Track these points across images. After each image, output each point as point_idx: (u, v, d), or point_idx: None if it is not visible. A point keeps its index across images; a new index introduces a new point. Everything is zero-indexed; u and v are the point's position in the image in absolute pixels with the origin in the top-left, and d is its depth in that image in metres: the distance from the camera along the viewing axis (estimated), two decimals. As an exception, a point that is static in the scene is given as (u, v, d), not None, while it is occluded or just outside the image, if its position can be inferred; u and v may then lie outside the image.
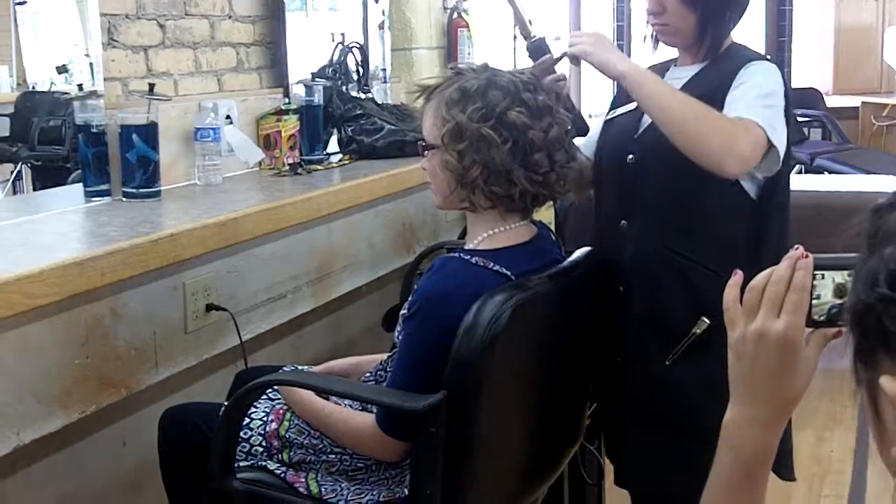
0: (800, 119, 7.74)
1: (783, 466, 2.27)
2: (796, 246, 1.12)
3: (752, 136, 2.00)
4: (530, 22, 2.33)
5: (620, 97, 2.35)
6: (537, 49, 2.28)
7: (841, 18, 9.05)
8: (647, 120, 2.19)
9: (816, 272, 1.09)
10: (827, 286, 1.10)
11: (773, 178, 2.16)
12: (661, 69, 2.33)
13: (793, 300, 1.08)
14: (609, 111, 2.39)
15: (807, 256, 1.10)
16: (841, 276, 1.08)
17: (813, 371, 1.11)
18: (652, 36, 2.30)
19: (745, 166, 2.01)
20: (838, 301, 1.09)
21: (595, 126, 2.45)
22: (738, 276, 1.14)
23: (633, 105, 2.24)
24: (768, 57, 2.24)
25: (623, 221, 2.25)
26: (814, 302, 1.10)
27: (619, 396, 2.32)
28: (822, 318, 1.10)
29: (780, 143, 2.06)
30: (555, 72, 2.19)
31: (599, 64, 2.11)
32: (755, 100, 2.07)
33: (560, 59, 2.20)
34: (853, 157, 7.07)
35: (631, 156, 2.22)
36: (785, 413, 1.13)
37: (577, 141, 2.32)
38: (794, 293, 1.08)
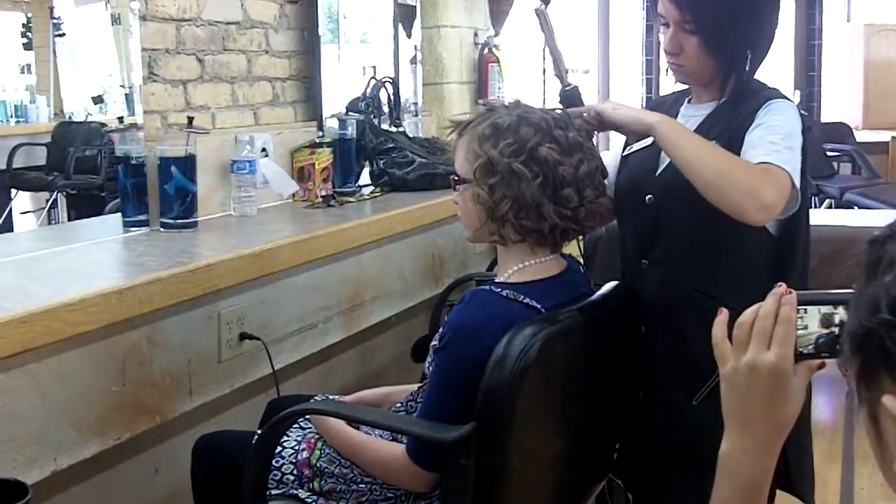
0: (829, 153, 7.72)
1: (808, 492, 2.27)
2: (779, 284, 1.18)
3: (778, 183, 1.99)
4: (567, 70, 2.34)
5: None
6: (570, 98, 2.30)
7: (871, 53, 9.03)
8: (665, 159, 2.19)
9: (800, 307, 1.16)
10: (812, 318, 1.16)
11: (793, 215, 2.13)
12: (673, 101, 2.33)
13: (781, 333, 1.15)
14: (625, 147, 2.38)
15: (790, 293, 1.16)
16: (826, 309, 1.14)
17: (802, 400, 1.17)
18: (667, 71, 2.31)
19: (770, 215, 1.99)
20: (825, 331, 1.15)
21: (610, 161, 2.43)
22: (723, 315, 1.21)
23: (649, 141, 2.22)
24: (784, 94, 2.21)
25: (644, 261, 2.26)
26: (799, 334, 1.16)
27: (643, 433, 2.32)
28: (808, 349, 1.17)
29: (796, 174, 2.04)
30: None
31: (626, 118, 2.12)
32: (778, 142, 2.05)
33: (585, 112, 2.22)
34: (883, 192, 7.04)
35: (649, 196, 2.22)
36: (778, 440, 1.18)
37: None
38: (781, 326, 1.15)
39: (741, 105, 2.16)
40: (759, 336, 1.16)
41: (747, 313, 1.18)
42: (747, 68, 2.19)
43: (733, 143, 2.08)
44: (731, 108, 2.18)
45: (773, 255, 2.18)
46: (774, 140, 2.05)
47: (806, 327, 1.17)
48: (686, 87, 2.33)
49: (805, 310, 1.16)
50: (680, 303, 2.18)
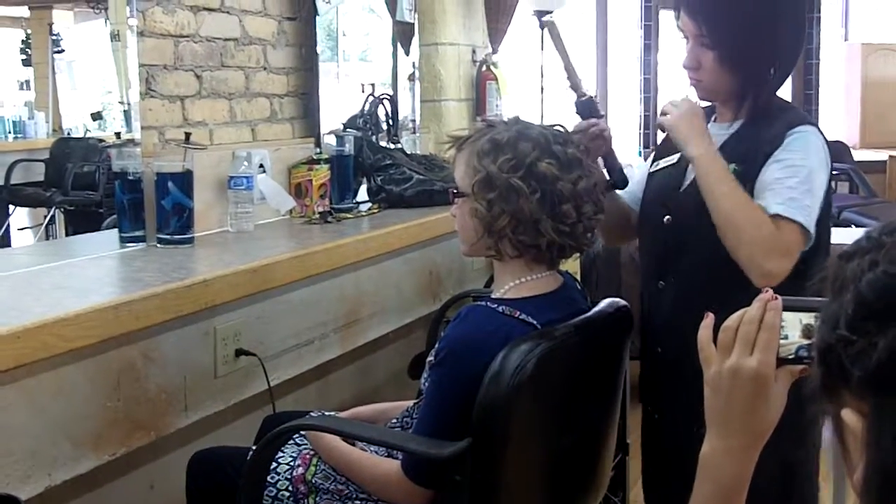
0: (827, 172, 7.71)
1: None
2: (766, 289, 1.20)
3: (785, 248, 1.99)
4: (580, 80, 2.32)
5: (664, 149, 2.33)
6: (585, 107, 2.29)
7: (868, 72, 9.04)
8: (689, 176, 2.18)
9: (785, 313, 1.18)
10: (795, 326, 1.18)
11: (815, 243, 2.09)
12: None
13: (764, 339, 1.17)
14: (653, 162, 2.37)
15: (776, 299, 1.18)
16: (808, 318, 1.16)
17: (782, 405, 1.20)
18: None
19: (773, 281, 1.93)
20: (806, 341, 1.17)
21: (636, 175, 2.43)
22: (709, 319, 1.24)
23: (675, 158, 2.23)
24: (809, 119, 2.17)
25: (660, 282, 2.25)
26: (782, 341, 1.18)
27: (658, 453, 2.31)
28: (790, 356, 1.19)
29: (812, 221, 2.03)
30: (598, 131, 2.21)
31: (677, 140, 2.12)
32: (796, 186, 2.03)
33: (599, 122, 2.22)
34: (880, 211, 7.03)
35: (668, 217, 2.20)
36: (758, 443, 1.20)
37: (622, 192, 2.35)
38: (765, 332, 1.17)
39: (764, 128, 2.12)
40: (743, 341, 1.18)
41: (733, 318, 1.20)
42: (767, 86, 2.17)
43: (751, 171, 2.07)
44: (754, 129, 2.14)
45: (793, 282, 2.12)
46: (793, 185, 2.03)
47: (787, 336, 1.19)
48: (710, 106, 2.29)
49: (791, 316, 1.18)
50: (693, 325, 2.16)
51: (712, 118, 2.28)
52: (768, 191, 2.04)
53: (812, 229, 2.02)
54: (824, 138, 2.13)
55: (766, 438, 1.20)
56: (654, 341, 2.27)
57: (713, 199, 2.03)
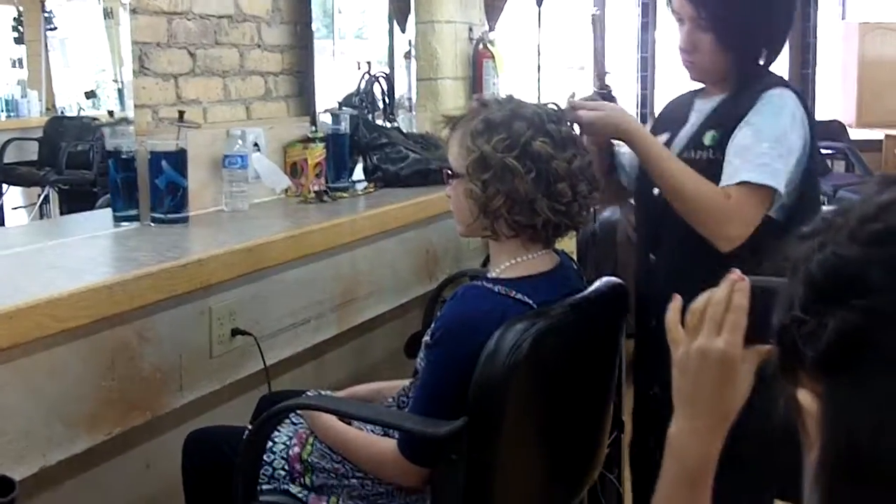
0: (823, 151, 7.71)
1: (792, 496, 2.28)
2: (734, 270, 1.21)
3: (744, 206, 2.05)
4: (606, 73, 2.35)
5: (658, 127, 2.37)
6: (605, 99, 2.30)
7: (865, 51, 9.03)
8: (674, 151, 2.21)
9: (754, 291, 1.18)
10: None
11: (801, 203, 2.14)
12: (689, 100, 2.33)
13: (732, 320, 1.18)
14: None
15: (744, 279, 1.19)
16: None
17: (749, 386, 1.20)
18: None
19: (738, 242, 2.04)
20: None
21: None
22: (677, 301, 1.25)
23: (665, 137, 2.25)
24: (786, 82, 2.21)
25: (651, 255, 2.27)
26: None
27: (657, 426, 2.31)
28: (757, 336, 1.18)
29: (781, 182, 2.07)
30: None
31: (625, 128, 2.15)
32: (766, 151, 2.06)
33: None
34: (876, 190, 7.04)
35: (657, 189, 2.22)
36: (724, 425, 1.21)
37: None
38: (732, 313, 1.18)
39: (742, 95, 2.17)
40: (711, 322, 1.19)
41: (700, 299, 1.21)
42: (762, 64, 2.21)
43: (730, 132, 2.11)
44: (734, 98, 2.19)
45: (777, 233, 2.15)
46: (763, 150, 2.06)
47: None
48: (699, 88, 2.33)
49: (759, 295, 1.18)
50: (688, 296, 2.17)
51: (698, 95, 2.32)
52: (738, 156, 2.08)
53: (782, 189, 2.06)
54: (800, 99, 2.16)
55: (733, 418, 1.21)
56: (648, 315, 2.27)
57: (659, 178, 2.11)
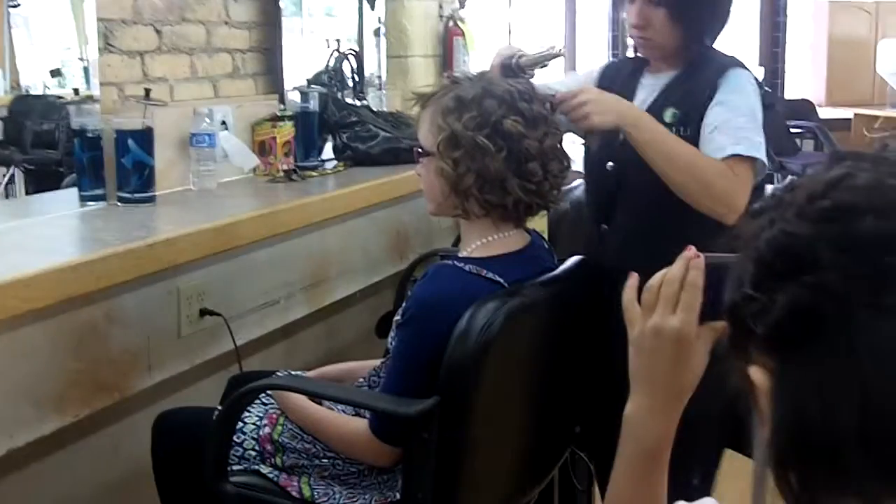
0: (792, 130, 7.74)
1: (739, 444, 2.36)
2: (689, 247, 1.21)
3: (746, 184, 2.09)
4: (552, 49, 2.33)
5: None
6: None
7: (834, 30, 9.07)
8: None
9: (708, 269, 1.18)
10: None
11: None
12: (631, 72, 2.36)
13: (686, 298, 1.18)
14: None
15: (699, 257, 1.19)
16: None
17: (704, 363, 1.20)
18: (628, 44, 2.33)
19: (741, 211, 2.05)
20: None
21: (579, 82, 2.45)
22: (633, 279, 1.24)
23: None
24: (740, 62, 2.27)
25: (603, 225, 2.32)
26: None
27: (608, 397, 2.32)
28: (712, 311, 1.17)
29: (764, 154, 2.13)
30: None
31: (617, 126, 2.15)
32: (745, 126, 2.12)
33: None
34: (845, 169, 7.07)
35: (610, 163, 2.28)
36: (680, 402, 1.21)
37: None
38: (687, 291, 1.18)
39: (698, 73, 2.22)
40: (665, 300, 1.19)
41: (656, 277, 1.21)
42: (710, 35, 2.27)
43: (692, 113, 2.16)
44: (687, 75, 2.24)
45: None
46: (742, 124, 2.12)
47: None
48: (642, 58, 2.38)
49: (713, 272, 1.18)
50: (639, 266, 2.18)
51: (644, 69, 2.36)
52: (719, 132, 2.12)
53: (766, 162, 2.14)
54: (754, 78, 2.24)
55: (689, 396, 1.21)
56: (600, 285, 2.27)
57: (663, 160, 2.11)
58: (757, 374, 0.87)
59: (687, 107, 2.18)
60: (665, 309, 1.18)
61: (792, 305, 0.82)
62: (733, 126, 2.12)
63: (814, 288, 0.81)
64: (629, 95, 2.30)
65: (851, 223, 0.81)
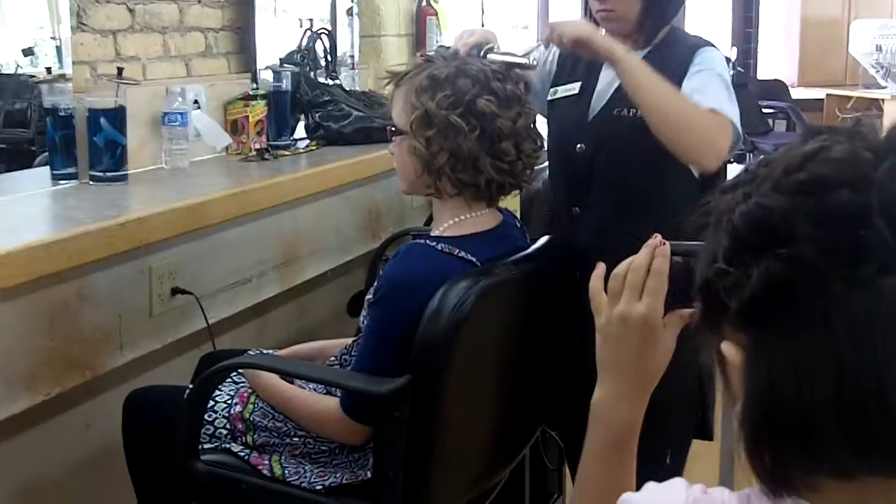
0: (765, 110, 7.78)
1: (704, 432, 2.40)
2: (654, 235, 1.22)
3: (727, 133, 2.09)
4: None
5: (562, 74, 2.38)
6: None
7: (807, 11, 9.10)
8: (595, 108, 2.26)
9: (674, 257, 1.19)
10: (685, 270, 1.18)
11: None
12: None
13: (652, 285, 1.18)
14: (551, 87, 2.41)
15: (664, 244, 1.20)
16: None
17: (671, 350, 1.21)
18: (593, 20, 2.32)
19: (720, 161, 2.10)
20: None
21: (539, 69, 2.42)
22: (600, 268, 1.24)
23: (575, 88, 2.30)
24: (711, 42, 2.29)
25: (575, 207, 2.31)
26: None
27: (579, 378, 2.34)
28: (678, 297, 1.19)
29: (739, 125, 2.14)
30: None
31: (600, 47, 2.12)
32: (721, 92, 2.13)
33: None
34: (817, 149, 7.11)
35: (580, 145, 2.26)
36: (647, 389, 1.22)
37: None
38: (652, 278, 1.19)
39: (669, 53, 2.23)
40: (631, 288, 1.19)
41: (622, 265, 1.21)
42: (671, 6, 2.27)
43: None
44: (662, 55, 2.23)
45: (697, 197, 2.19)
46: (718, 90, 2.14)
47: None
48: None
49: (680, 260, 1.19)
50: (612, 247, 2.17)
51: None
52: (697, 94, 2.13)
53: (740, 129, 2.13)
54: (725, 57, 2.28)
55: (656, 383, 1.22)
56: (572, 267, 2.28)
57: (652, 93, 2.08)
58: (729, 350, 0.87)
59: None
60: (631, 296, 1.19)
61: (766, 278, 0.82)
62: (710, 91, 2.13)
63: (789, 261, 0.81)
64: (594, 72, 2.30)
65: (827, 196, 0.82)
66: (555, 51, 2.44)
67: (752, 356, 0.85)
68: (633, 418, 1.22)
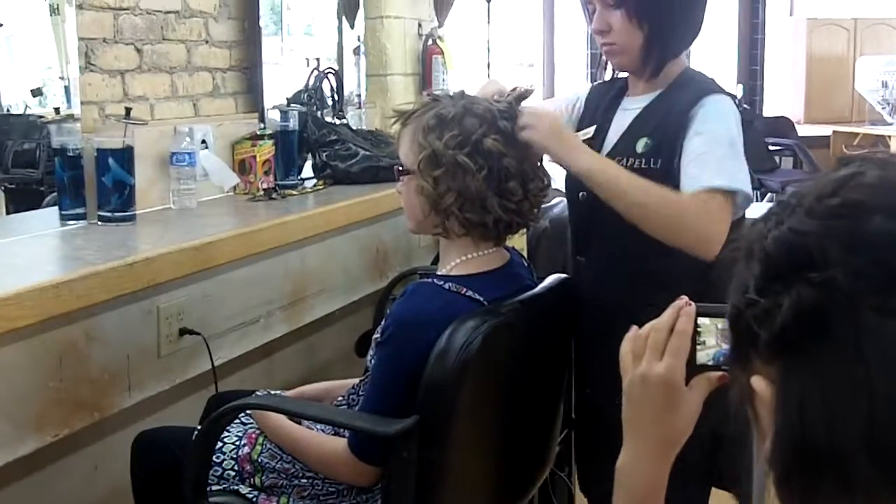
0: (771, 147, 7.80)
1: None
2: (681, 297, 1.20)
3: (725, 211, 1.99)
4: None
5: (586, 115, 2.33)
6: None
7: (813, 48, 9.14)
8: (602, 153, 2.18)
9: (701, 318, 1.18)
10: (711, 333, 1.18)
11: None
12: (615, 95, 2.29)
13: (673, 344, 1.17)
14: (576, 130, 2.32)
15: (690, 304, 1.18)
16: (724, 323, 1.07)
17: (696, 413, 1.19)
18: (602, 57, 2.29)
19: (720, 245, 1.95)
20: (725, 347, 1.15)
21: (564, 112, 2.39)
22: (633, 331, 1.22)
23: (590, 132, 2.23)
24: (720, 87, 2.18)
25: (579, 257, 2.27)
26: (699, 347, 1.18)
27: (588, 427, 2.32)
28: (708, 362, 1.18)
29: (747, 185, 2.04)
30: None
31: (557, 158, 2.06)
32: (725, 156, 2.03)
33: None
34: (823, 186, 7.10)
35: (582, 193, 2.17)
36: (670, 452, 1.20)
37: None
38: (674, 338, 1.17)
39: (675, 98, 2.14)
40: (653, 348, 1.18)
41: (646, 326, 1.20)
42: (673, 39, 2.18)
43: (664, 145, 2.08)
44: (668, 101, 2.15)
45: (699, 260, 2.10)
46: (721, 154, 2.03)
47: (704, 343, 1.18)
48: (624, 77, 2.30)
49: (707, 321, 1.18)
50: (610, 301, 2.16)
51: (624, 92, 2.28)
52: (696, 165, 2.03)
53: (748, 189, 2.04)
54: (735, 104, 2.15)
55: (679, 446, 1.20)
56: (579, 306, 2.27)
57: (629, 202, 2.00)
58: (759, 384, 0.85)
59: (659, 137, 2.10)
60: (652, 356, 1.18)
61: (798, 305, 0.81)
62: (714, 158, 2.02)
63: (821, 285, 0.80)
64: (608, 116, 2.27)
65: (860, 221, 0.81)
66: (574, 98, 2.40)
67: (782, 388, 0.84)
68: (655, 480, 1.20)
